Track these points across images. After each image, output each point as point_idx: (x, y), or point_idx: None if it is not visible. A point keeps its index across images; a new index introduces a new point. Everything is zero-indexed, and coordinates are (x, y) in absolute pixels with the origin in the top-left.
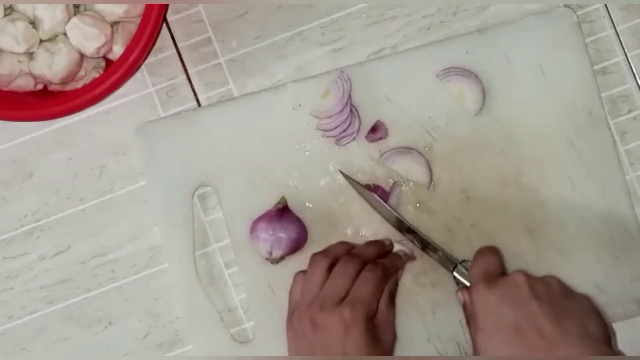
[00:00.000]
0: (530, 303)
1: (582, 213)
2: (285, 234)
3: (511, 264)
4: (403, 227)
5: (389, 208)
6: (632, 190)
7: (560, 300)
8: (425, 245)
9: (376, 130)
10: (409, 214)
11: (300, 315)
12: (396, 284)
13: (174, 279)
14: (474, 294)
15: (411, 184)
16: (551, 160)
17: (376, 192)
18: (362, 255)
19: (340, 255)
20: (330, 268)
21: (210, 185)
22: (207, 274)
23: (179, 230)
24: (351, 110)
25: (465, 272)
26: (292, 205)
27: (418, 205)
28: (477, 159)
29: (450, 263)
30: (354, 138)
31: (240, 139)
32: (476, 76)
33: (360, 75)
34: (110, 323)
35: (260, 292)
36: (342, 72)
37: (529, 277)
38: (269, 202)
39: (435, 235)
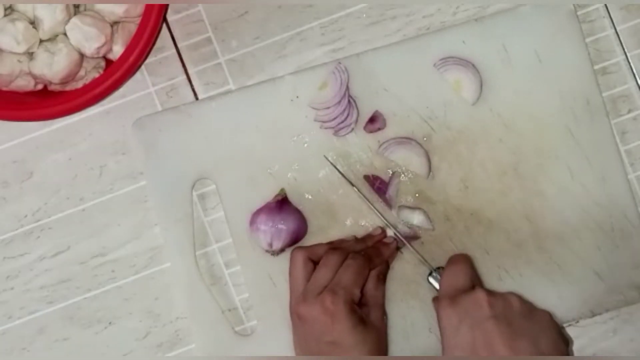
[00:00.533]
0: (487, 323)
1: (581, 201)
2: (285, 226)
3: (511, 252)
4: (385, 223)
5: (370, 204)
6: (633, 190)
7: (518, 320)
8: (406, 244)
9: (374, 121)
10: (408, 204)
11: (290, 311)
12: (387, 266)
13: (174, 274)
14: (439, 310)
15: (410, 174)
16: (549, 149)
17: (375, 183)
18: (346, 248)
19: (320, 249)
20: (311, 261)
21: (209, 178)
22: (208, 274)
23: (179, 225)
24: (349, 101)
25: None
26: (291, 197)
27: (417, 195)
28: (476, 149)
29: (426, 268)
30: (352, 129)
31: (238, 132)
32: (473, 65)
33: (358, 66)
34: (110, 323)
35: (261, 284)
36: (339, 63)
37: (490, 296)
38: (268, 194)
39: (434, 225)
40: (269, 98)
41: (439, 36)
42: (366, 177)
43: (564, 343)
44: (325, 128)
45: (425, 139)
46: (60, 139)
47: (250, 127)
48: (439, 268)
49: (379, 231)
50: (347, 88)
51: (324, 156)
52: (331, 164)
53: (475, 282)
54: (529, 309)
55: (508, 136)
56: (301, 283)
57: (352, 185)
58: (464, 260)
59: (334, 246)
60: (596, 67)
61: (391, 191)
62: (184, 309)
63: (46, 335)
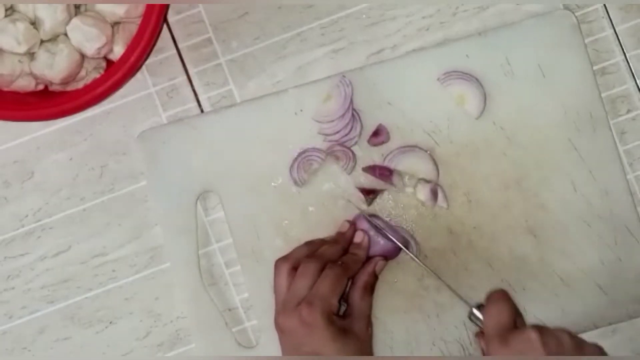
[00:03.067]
0: None
1: (584, 214)
2: (382, 240)
3: (514, 266)
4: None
5: (411, 254)
6: (632, 191)
7: (571, 357)
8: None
9: (378, 134)
10: (411, 217)
11: (274, 322)
12: (375, 277)
13: (177, 283)
14: (490, 350)
15: (411, 189)
16: (552, 163)
17: (376, 171)
18: (324, 255)
19: (303, 257)
20: (294, 270)
21: (213, 191)
22: (208, 274)
23: (181, 236)
24: (353, 114)
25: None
26: (294, 210)
27: (420, 207)
28: (479, 162)
29: (466, 305)
30: (356, 142)
31: (242, 145)
32: (477, 79)
33: (362, 79)
34: (110, 323)
35: (263, 295)
36: (343, 76)
37: (542, 334)
38: (271, 207)
39: (438, 238)
40: (273, 111)
41: (442, 50)
42: (366, 169)
43: None
44: (329, 141)
45: (428, 152)
46: (61, 139)
47: (254, 140)
48: (480, 306)
49: (347, 225)
50: (351, 101)
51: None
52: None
53: (518, 316)
54: (580, 344)
55: (511, 150)
56: (284, 293)
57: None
58: (506, 296)
59: (310, 252)
60: (595, 67)
61: (394, 171)
62: (185, 309)
63: (47, 334)
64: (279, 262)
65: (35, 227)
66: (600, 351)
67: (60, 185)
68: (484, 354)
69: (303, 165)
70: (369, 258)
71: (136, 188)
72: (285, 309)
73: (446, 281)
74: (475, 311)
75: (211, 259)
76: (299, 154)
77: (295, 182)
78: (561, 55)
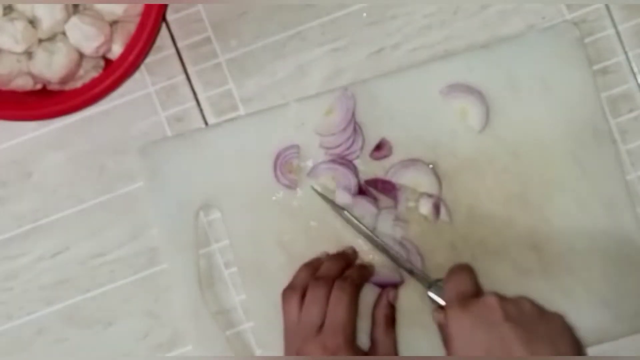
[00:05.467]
0: (502, 326)
1: (588, 229)
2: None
3: (518, 281)
4: (377, 245)
5: (362, 226)
6: (633, 191)
7: (532, 322)
8: (401, 264)
9: (381, 148)
10: (414, 232)
11: (287, 351)
12: (393, 308)
13: (175, 291)
14: (448, 316)
15: (413, 204)
16: (556, 177)
17: (378, 185)
18: (327, 276)
19: (307, 281)
20: (303, 298)
21: (213, 204)
22: (206, 275)
23: (180, 250)
24: (355, 128)
25: (439, 291)
26: (296, 224)
27: (423, 222)
28: (482, 176)
29: (425, 282)
30: (358, 156)
31: (243, 159)
32: (480, 93)
33: (364, 92)
34: (109, 323)
35: (266, 314)
36: (345, 89)
37: (502, 300)
38: (272, 221)
39: (441, 254)
40: (275, 125)
41: (444, 63)
42: (368, 182)
43: (581, 345)
44: (331, 154)
45: (431, 166)
46: (60, 139)
47: (256, 154)
48: (438, 280)
49: (352, 250)
50: (353, 115)
51: (311, 187)
52: (318, 193)
53: (480, 289)
54: (542, 312)
55: (514, 164)
56: (296, 323)
57: (342, 209)
58: (467, 267)
59: (316, 275)
60: (596, 67)
61: (397, 185)
62: (183, 315)
63: (45, 335)
64: (286, 293)
65: (33, 227)
66: (561, 320)
67: (59, 185)
68: (440, 328)
69: (284, 167)
70: (382, 286)
71: (135, 188)
72: (306, 337)
73: (400, 261)
74: (433, 289)
75: (210, 260)
76: (275, 160)
77: (289, 187)
78: (565, 68)
